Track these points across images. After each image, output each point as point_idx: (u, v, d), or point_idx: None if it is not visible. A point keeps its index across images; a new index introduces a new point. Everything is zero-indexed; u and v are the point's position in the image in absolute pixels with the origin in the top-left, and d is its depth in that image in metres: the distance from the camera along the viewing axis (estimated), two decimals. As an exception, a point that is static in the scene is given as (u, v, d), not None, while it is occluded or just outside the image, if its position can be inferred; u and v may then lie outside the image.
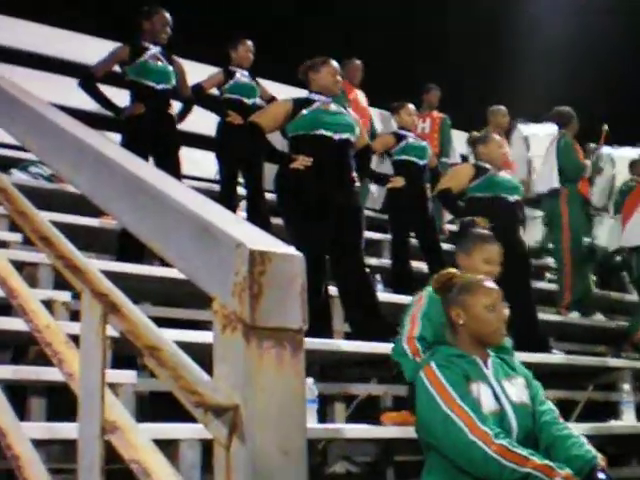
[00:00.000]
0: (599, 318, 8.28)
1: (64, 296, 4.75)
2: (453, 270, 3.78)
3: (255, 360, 1.45)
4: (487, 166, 6.77)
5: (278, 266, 1.49)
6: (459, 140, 10.18)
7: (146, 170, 1.89)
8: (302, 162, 5.63)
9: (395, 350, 4.40)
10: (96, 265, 1.87)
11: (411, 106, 7.98)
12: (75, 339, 2.03)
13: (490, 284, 3.60)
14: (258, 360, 1.45)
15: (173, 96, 7.24)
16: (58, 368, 1.97)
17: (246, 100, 7.80)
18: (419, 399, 3.40)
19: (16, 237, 5.58)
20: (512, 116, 9.53)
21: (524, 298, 6.67)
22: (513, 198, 6.74)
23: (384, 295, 6.54)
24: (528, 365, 6.04)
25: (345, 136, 5.81)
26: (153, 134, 6.81)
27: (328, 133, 5.73)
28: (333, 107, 5.89)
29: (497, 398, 3.39)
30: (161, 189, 1.75)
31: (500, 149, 6.90)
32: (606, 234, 9.00)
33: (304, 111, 5.80)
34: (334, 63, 5.95)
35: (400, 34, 12.35)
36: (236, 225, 1.59)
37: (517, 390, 3.48)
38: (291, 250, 1.54)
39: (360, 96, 9.51)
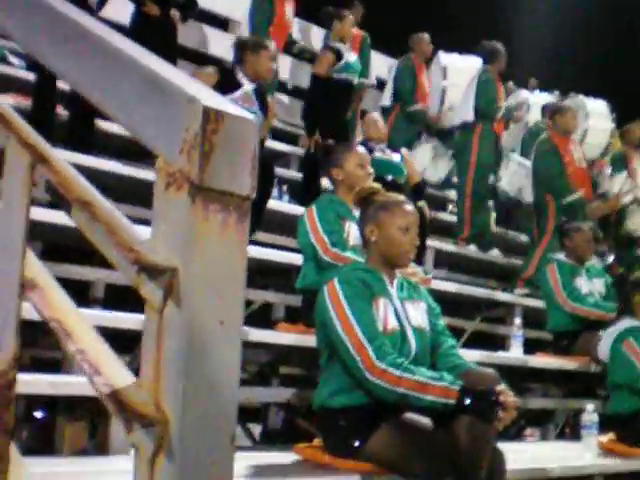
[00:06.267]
0: (495, 254, 8.40)
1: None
2: (377, 185, 3.71)
3: (199, 222, 1.36)
4: (372, 145, 6.53)
5: (232, 126, 1.40)
6: (376, 62, 10.08)
7: (88, 19, 1.76)
8: None
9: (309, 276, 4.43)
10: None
11: (352, 16, 7.87)
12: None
13: (408, 206, 3.54)
14: (202, 222, 1.36)
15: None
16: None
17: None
18: (318, 312, 3.38)
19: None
20: (437, 46, 9.48)
21: None
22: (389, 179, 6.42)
23: (290, 207, 6.49)
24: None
25: None
26: None
27: None
28: None
29: (398, 318, 3.37)
30: (105, 37, 1.62)
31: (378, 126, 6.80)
32: (508, 178, 9.11)
33: None
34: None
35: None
36: (187, 81, 1.49)
37: (418, 314, 3.46)
38: (245, 113, 1.44)
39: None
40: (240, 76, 5.73)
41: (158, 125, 1.44)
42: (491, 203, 8.84)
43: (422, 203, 6.42)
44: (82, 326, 1.49)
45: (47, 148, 1.62)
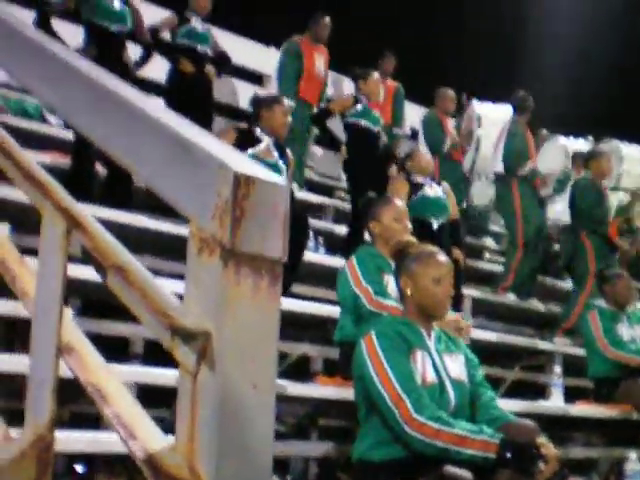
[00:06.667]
0: (534, 301, 8.33)
1: (1, 229, 4.60)
2: (412, 239, 3.73)
3: (232, 286, 1.37)
4: (418, 179, 6.55)
5: (262, 191, 1.42)
6: (410, 112, 10.11)
7: (118, 84, 1.80)
8: None
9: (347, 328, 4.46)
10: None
11: (377, 75, 7.92)
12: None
13: (441, 257, 3.55)
14: (234, 286, 1.38)
15: (130, 39, 6.98)
16: (11, 286, 1.87)
17: (199, 47, 7.63)
18: (356, 366, 3.38)
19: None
20: (468, 93, 9.49)
21: None
22: (438, 223, 6.45)
23: (327, 259, 6.51)
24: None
25: None
26: None
27: None
28: None
29: (437, 370, 3.36)
30: (136, 102, 1.66)
31: (428, 161, 6.75)
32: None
33: None
34: None
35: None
36: (218, 147, 1.51)
37: (456, 366, 3.45)
38: (276, 177, 1.47)
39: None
40: (258, 132, 5.85)
41: (190, 191, 1.47)
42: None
43: (458, 253, 6.41)
44: (117, 389, 1.51)
45: (82, 213, 1.65)
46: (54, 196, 1.71)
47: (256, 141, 5.80)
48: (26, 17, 6.94)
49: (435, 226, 6.38)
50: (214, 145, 1.51)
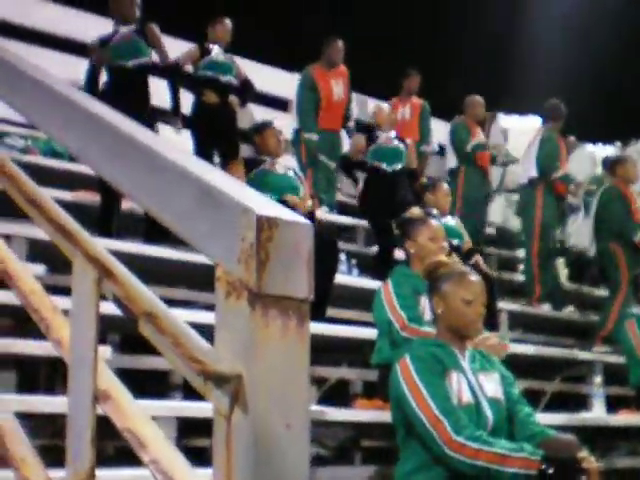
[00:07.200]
0: (570, 311, 8.28)
1: (37, 269, 4.66)
2: (444, 259, 3.74)
3: (260, 328, 1.40)
4: (434, 212, 6.58)
5: (285, 232, 1.44)
6: (438, 128, 10.10)
7: (140, 131, 1.83)
8: None
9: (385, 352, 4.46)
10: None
11: (384, 106, 7.92)
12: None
13: (473, 277, 3.54)
14: (263, 328, 1.40)
15: (150, 71, 6.99)
16: (46, 334, 1.90)
17: (222, 77, 7.67)
18: (392, 390, 3.38)
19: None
20: (493, 107, 9.48)
21: None
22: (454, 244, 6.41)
23: (360, 281, 6.51)
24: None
25: None
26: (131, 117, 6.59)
27: None
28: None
29: (472, 390, 3.36)
30: (158, 150, 1.69)
31: (447, 197, 6.70)
32: (575, 232, 9.06)
33: None
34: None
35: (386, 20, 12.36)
36: (240, 190, 1.54)
37: (492, 385, 3.45)
38: (298, 217, 1.49)
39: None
40: (262, 157, 6.23)
41: (215, 236, 1.49)
42: (562, 260, 8.76)
43: (478, 257, 6.43)
44: (154, 435, 1.53)
45: (113, 262, 1.68)
46: (84, 246, 1.75)
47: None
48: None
49: (454, 243, 6.41)
50: (236, 188, 1.53)
